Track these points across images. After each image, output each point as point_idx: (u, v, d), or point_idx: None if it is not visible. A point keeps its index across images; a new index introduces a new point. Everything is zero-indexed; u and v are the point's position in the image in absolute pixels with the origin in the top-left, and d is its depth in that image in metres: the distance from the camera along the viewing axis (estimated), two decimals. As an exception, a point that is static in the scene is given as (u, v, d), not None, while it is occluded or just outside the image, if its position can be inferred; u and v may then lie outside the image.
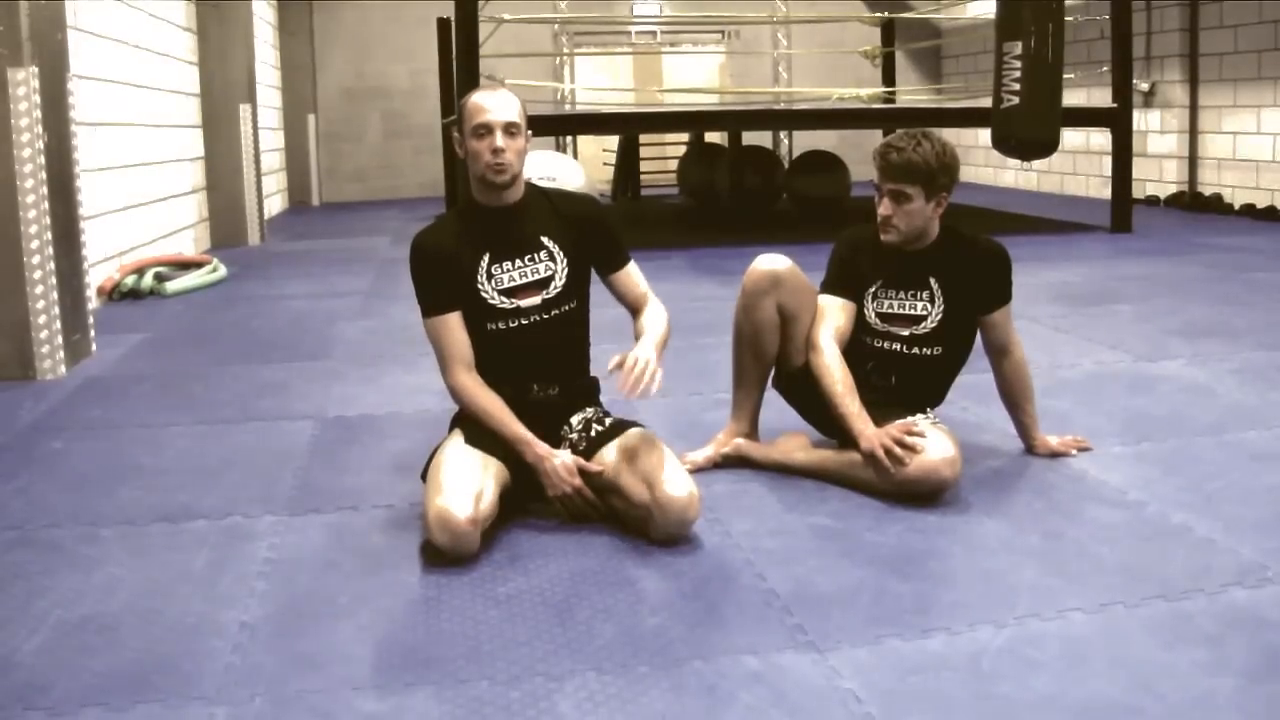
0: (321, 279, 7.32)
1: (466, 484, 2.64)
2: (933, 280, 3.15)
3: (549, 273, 2.89)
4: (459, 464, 2.72)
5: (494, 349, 2.88)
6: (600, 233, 2.97)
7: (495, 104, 2.81)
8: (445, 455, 2.77)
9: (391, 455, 3.44)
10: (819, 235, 4.45)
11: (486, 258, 2.87)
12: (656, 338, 2.86)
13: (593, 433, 2.88)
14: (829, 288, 3.22)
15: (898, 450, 2.90)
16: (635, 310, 3.00)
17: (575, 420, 2.93)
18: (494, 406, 2.82)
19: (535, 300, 2.88)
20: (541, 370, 2.92)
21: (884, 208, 3.10)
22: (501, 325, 2.87)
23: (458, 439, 2.82)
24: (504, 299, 2.86)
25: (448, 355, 2.86)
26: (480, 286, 2.86)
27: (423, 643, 2.24)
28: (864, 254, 3.21)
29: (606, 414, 2.97)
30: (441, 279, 2.85)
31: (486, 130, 2.79)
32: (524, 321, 2.87)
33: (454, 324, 2.85)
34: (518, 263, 2.88)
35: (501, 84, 2.87)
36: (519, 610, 2.37)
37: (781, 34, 14.15)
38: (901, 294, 3.17)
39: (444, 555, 2.58)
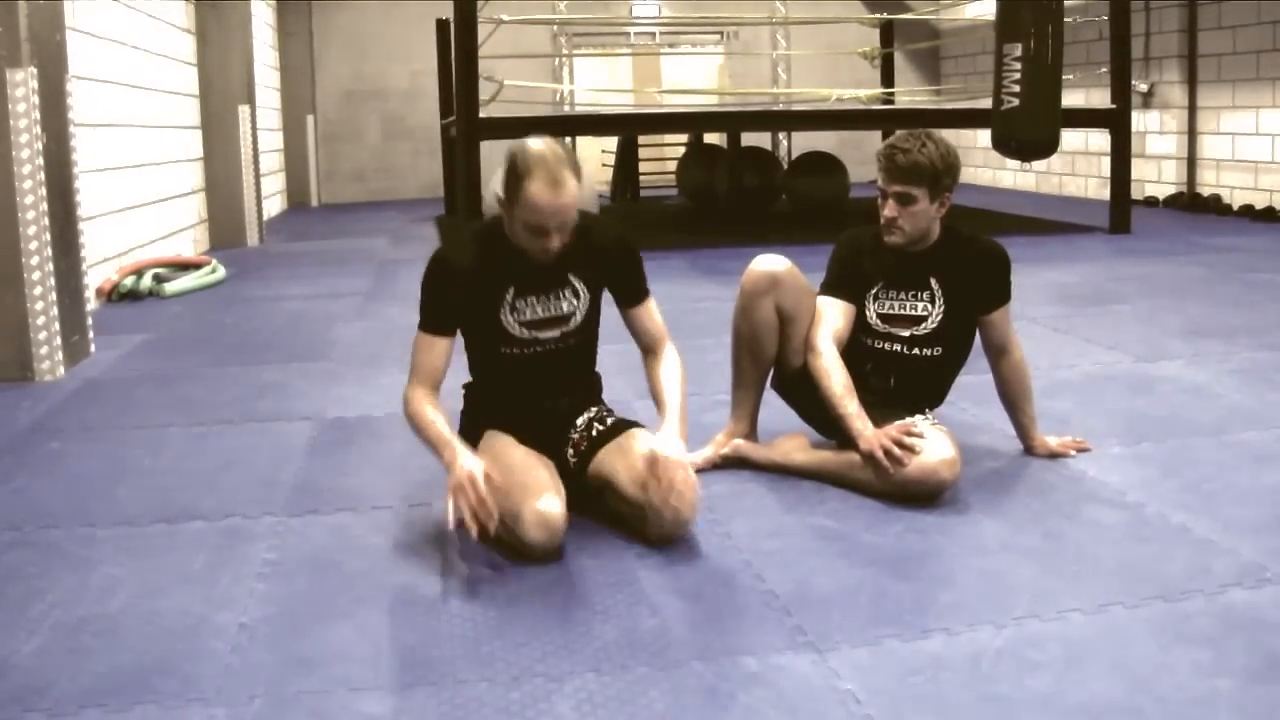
0: (320, 280, 7.32)
1: (546, 481, 2.67)
2: (933, 280, 3.15)
3: (571, 310, 2.86)
4: (528, 463, 2.73)
5: (505, 369, 2.88)
6: (625, 268, 2.92)
7: (555, 209, 2.66)
8: (507, 457, 2.74)
9: (390, 456, 3.43)
10: (818, 236, 4.46)
11: (511, 291, 2.81)
12: (679, 415, 2.79)
13: (594, 432, 2.88)
14: (829, 289, 3.22)
15: (897, 451, 2.90)
16: (648, 350, 2.96)
17: (579, 421, 2.93)
18: (432, 424, 2.72)
19: (554, 333, 2.86)
20: (551, 389, 2.92)
21: (889, 210, 3.09)
22: (516, 351, 2.85)
23: (498, 438, 2.83)
24: (524, 330, 2.84)
25: (420, 371, 2.79)
26: (503, 318, 2.82)
27: (422, 643, 2.24)
28: (865, 255, 3.21)
29: (609, 413, 2.97)
30: (452, 301, 2.80)
31: (543, 232, 2.70)
32: (539, 350, 2.86)
33: (442, 347, 2.80)
34: (542, 298, 2.84)
35: (569, 165, 2.72)
36: (518, 611, 2.37)
37: (780, 35, 14.15)
38: (902, 294, 3.17)
39: (495, 553, 2.58)
